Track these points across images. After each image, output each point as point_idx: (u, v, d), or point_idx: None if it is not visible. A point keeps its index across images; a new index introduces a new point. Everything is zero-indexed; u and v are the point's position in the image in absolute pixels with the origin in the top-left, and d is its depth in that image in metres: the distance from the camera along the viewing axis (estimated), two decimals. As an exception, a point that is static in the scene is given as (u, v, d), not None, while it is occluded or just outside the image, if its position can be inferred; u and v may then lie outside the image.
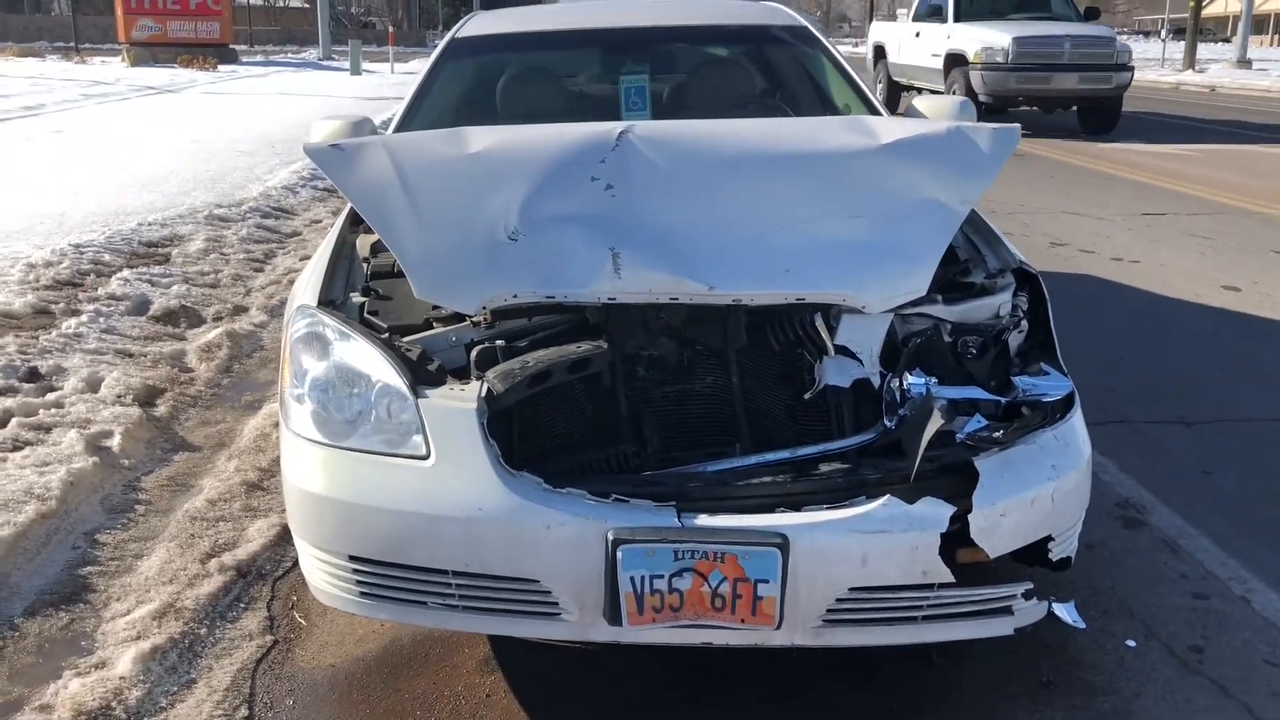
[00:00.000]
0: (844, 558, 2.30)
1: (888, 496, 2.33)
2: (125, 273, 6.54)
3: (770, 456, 2.52)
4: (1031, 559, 2.55)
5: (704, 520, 2.29)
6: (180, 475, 3.92)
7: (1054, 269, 7.14)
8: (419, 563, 2.36)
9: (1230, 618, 2.97)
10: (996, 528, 2.37)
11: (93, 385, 4.61)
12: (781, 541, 2.26)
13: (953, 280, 2.92)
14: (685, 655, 2.69)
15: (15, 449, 3.88)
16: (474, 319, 2.61)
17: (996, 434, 2.47)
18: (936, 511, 2.33)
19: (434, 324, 2.67)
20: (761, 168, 2.76)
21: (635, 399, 2.65)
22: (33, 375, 4.73)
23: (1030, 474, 2.43)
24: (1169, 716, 2.57)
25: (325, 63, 30.41)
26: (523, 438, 2.55)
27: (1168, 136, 15.17)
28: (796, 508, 2.35)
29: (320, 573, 2.50)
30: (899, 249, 2.63)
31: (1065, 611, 2.91)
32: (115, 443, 4.01)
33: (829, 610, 2.34)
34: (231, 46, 28.80)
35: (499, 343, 2.55)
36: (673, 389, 2.67)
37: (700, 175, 2.72)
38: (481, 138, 2.79)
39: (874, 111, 4.05)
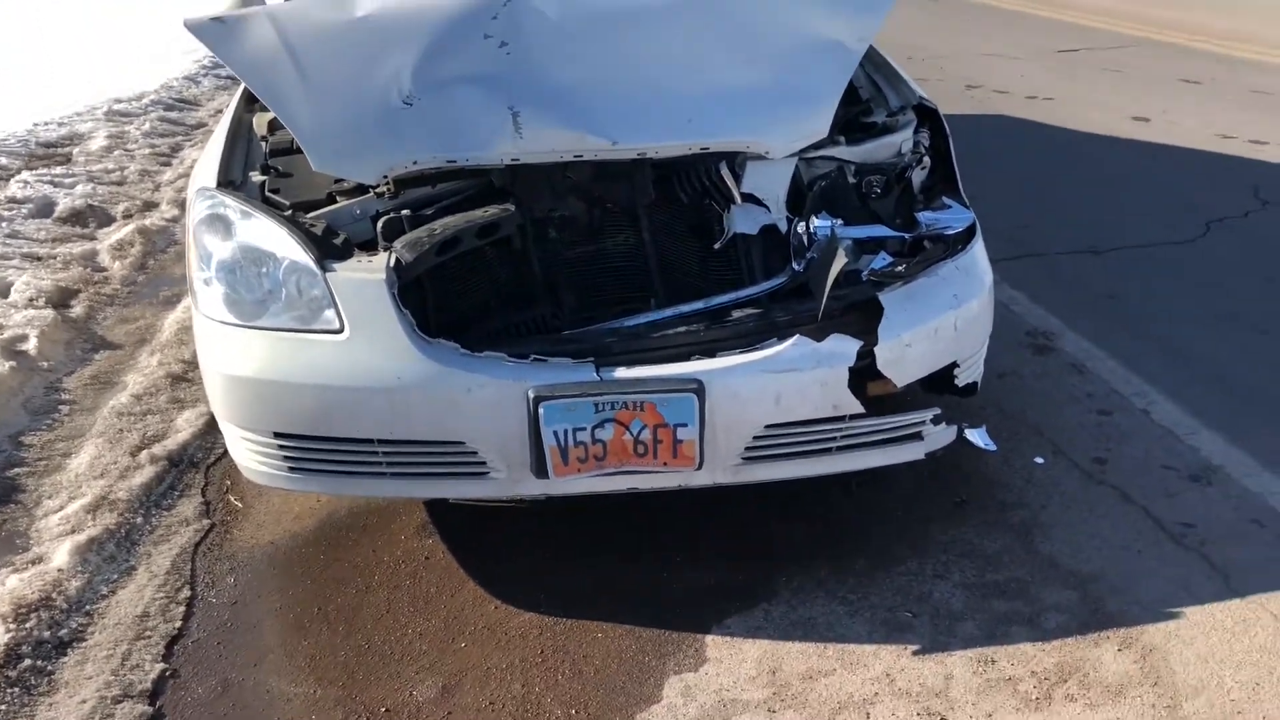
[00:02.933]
0: (758, 397, 2.38)
1: (797, 336, 2.40)
2: (25, 175, 6.31)
3: (685, 308, 2.57)
4: (940, 387, 2.66)
5: (622, 373, 2.35)
6: (103, 373, 3.88)
7: (968, 111, 7.18)
8: (344, 434, 2.39)
9: (1132, 430, 3.12)
10: (903, 358, 2.45)
11: (2, 291, 4.51)
12: (697, 386, 2.32)
13: (855, 120, 2.95)
14: (615, 509, 2.78)
15: (-73, 359, 3.81)
16: (377, 190, 2.59)
17: (899, 268, 2.53)
18: (843, 347, 2.40)
19: (337, 198, 2.64)
20: (657, 16, 2.72)
21: (549, 261, 2.66)
22: (-62, 286, 4.60)
23: (933, 304, 2.51)
24: (1073, 523, 2.72)
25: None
26: (440, 306, 2.57)
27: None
28: (711, 354, 2.41)
29: (248, 452, 2.52)
30: (798, 92, 2.64)
31: (977, 436, 3.05)
32: (31, 346, 3.94)
33: (747, 448, 2.43)
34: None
35: (405, 212, 2.54)
36: (586, 248, 2.69)
37: (596, 27, 2.68)
38: (367, 2, 2.71)
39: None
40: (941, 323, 2.51)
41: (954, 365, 2.58)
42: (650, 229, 2.70)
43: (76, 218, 5.66)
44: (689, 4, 2.76)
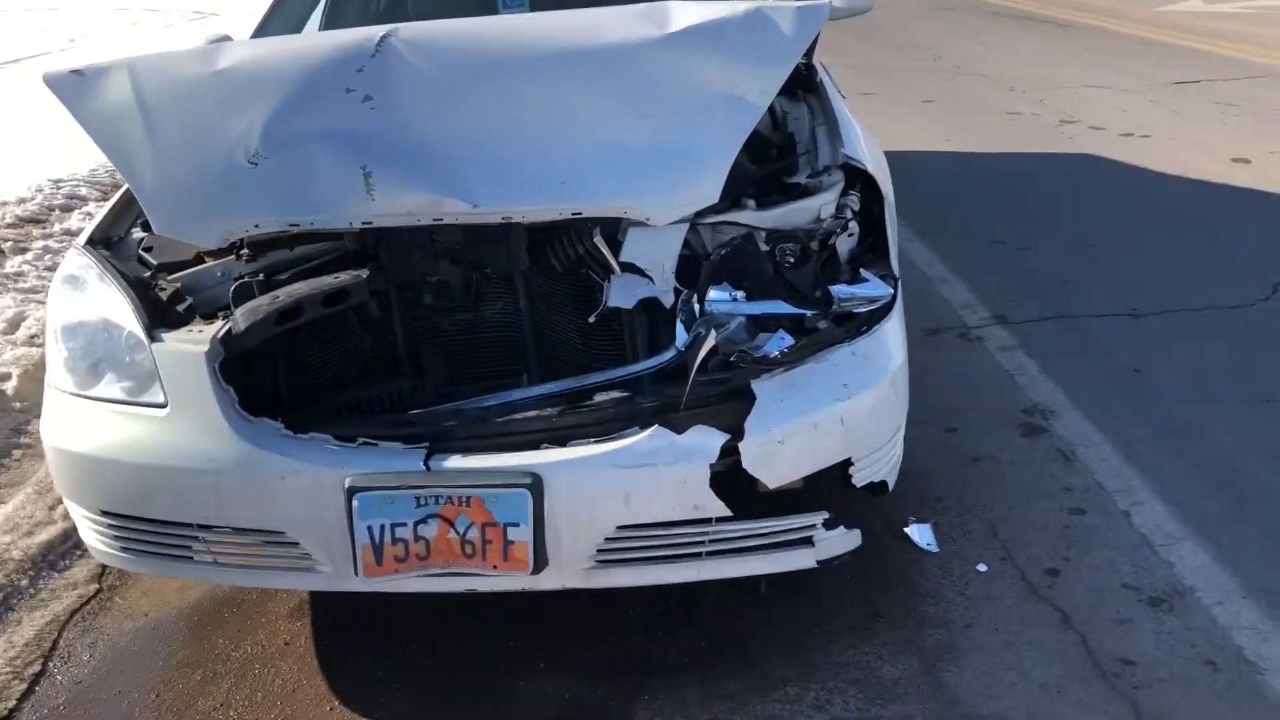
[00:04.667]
0: (605, 495, 2.13)
1: (655, 427, 2.13)
2: (90, 206, 6.51)
3: (553, 387, 2.34)
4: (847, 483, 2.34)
5: (454, 462, 2.13)
6: (72, 417, 3.86)
7: (1054, 150, 6.69)
8: (165, 516, 2.25)
9: (1102, 535, 2.71)
10: (775, 456, 2.15)
11: (14, 325, 4.58)
12: (532, 481, 2.09)
13: (776, 180, 2.65)
14: (497, 603, 2.54)
15: (-92, 397, 3.87)
16: (240, 252, 2.45)
17: (777, 354, 2.23)
18: (706, 441, 2.13)
19: (205, 259, 2.51)
20: (538, 68, 2.49)
21: (415, 330, 2.47)
22: (-41, 319, 4.71)
23: (818, 395, 2.20)
24: (994, 650, 2.35)
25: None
26: (293, 379, 2.41)
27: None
28: (563, 443, 2.17)
29: (86, 527, 2.40)
30: (687, 153, 2.37)
31: (919, 534, 2.73)
32: (11, 386, 3.97)
33: (599, 550, 2.18)
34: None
35: (259, 277, 2.39)
36: (456, 317, 2.49)
37: (470, 80, 2.47)
38: (234, 53, 2.57)
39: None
40: (824, 416, 2.19)
41: (848, 463, 2.26)
42: (528, 299, 2.48)
43: (121, 251, 5.75)
44: (575, 56, 2.51)
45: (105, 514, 2.30)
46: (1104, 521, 2.76)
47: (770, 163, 2.75)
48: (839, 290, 2.44)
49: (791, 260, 2.49)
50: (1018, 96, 8.40)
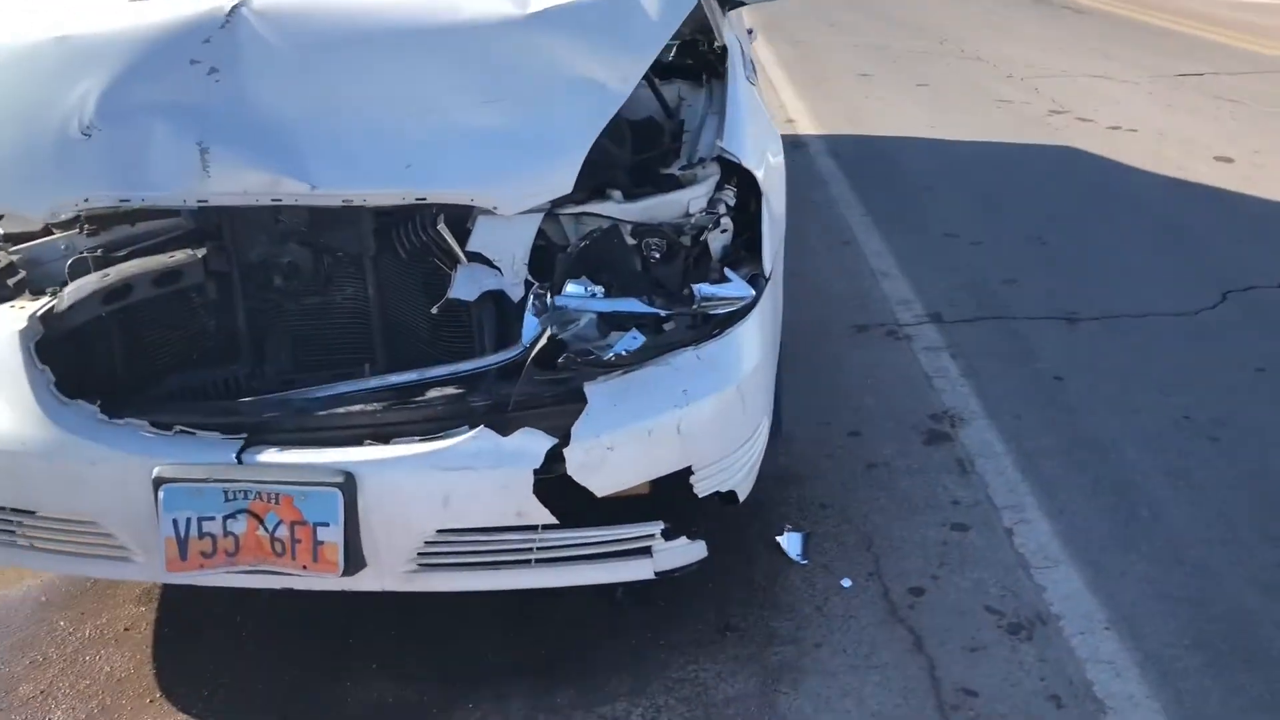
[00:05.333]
0: (423, 497, 2.05)
1: (481, 428, 2.04)
2: None
3: (387, 380, 2.24)
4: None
5: (268, 456, 2.05)
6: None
7: (1036, 140, 6.51)
8: (-26, 498, 2.18)
9: (979, 554, 2.60)
10: (603, 463, 2.05)
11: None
12: (344, 481, 2.00)
13: (650, 171, 2.53)
14: (333, 600, 2.46)
15: None
16: (82, 226, 2.36)
17: (612, 355, 2.12)
18: (531, 445, 2.03)
19: (53, 231, 2.42)
20: (392, 46, 2.38)
21: (259, 314, 2.38)
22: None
23: (654, 400, 2.10)
24: (837, 673, 2.24)
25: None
26: (131, 359, 2.32)
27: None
28: (386, 440, 2.08)
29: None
30: (540, 140, 2.27)
31: (790, 543, 2.65)
32: None
33: (420, 554, 2.09)
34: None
35: (99, 252, 2.31)
36: (302, 302, 2.39)
37: (321, 56, 2.36)
38: (76, 19, 2.46)
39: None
40: (659, 423, 2.09)
41: (688, 471, 2.15)
42: (376, 285, 2.38)
43: None
44: (431, 34, 2.40)
45: (-86, 494, 2.23)
46: (984, 539, 2.65)
47: (656, 151, 2.62)
48: (701, 289, 2.33)
49: (657, 255, 2.38)
50: (1013, 83, 8.20)
